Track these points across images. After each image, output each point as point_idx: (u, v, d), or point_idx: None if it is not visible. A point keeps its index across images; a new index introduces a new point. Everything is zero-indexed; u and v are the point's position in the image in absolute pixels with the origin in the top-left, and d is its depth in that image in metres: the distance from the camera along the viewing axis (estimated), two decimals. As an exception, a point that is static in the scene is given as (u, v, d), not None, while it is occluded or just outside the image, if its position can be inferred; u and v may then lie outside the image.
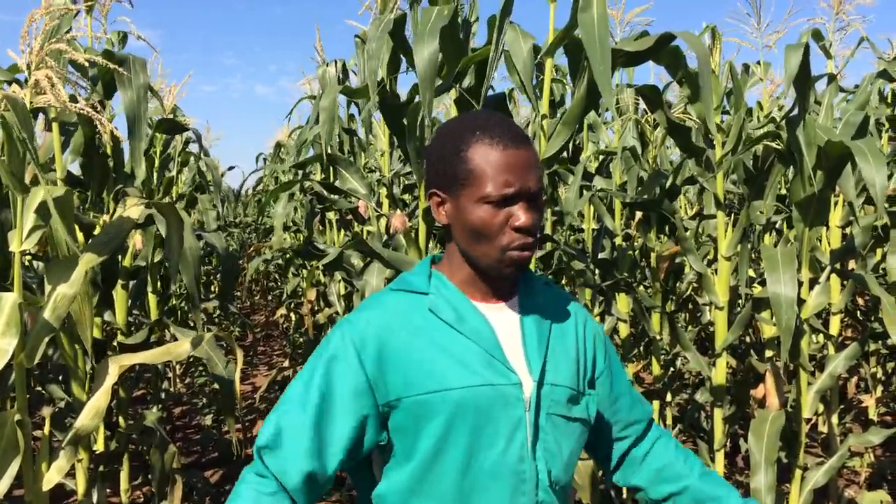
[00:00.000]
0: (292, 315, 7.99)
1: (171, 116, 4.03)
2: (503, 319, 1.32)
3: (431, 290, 1.31)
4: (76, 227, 2.47)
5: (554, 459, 1.28)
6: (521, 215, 1.22)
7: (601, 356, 1.42)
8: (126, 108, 2.21)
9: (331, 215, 5.30)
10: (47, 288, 1.83)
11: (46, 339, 1.81)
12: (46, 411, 2.18)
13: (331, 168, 4.50)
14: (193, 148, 4.78)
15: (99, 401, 1.87)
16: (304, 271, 6.88)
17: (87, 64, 1.83)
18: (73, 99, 1.81)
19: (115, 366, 1.92)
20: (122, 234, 1.92)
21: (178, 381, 6.67)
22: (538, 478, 1.25)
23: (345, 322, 1.29)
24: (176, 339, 4.83)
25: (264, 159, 9.51)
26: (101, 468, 2.94)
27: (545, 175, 2.46)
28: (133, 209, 1.96)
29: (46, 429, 1.96)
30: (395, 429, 1.25)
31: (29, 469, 1.85)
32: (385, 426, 1.26)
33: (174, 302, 6.03)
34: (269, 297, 10.88)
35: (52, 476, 1.84)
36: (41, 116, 2.54)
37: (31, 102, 1.72)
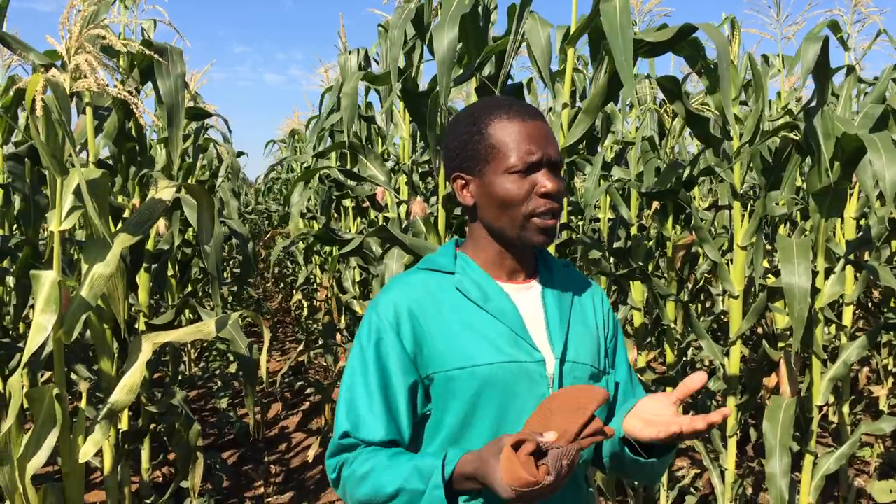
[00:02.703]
0: (304, 302, 8.06)
1: (192, 103, 4.08)
2: (526, 299, 1.37)
3: (457, 269, 1.37)
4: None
5: None
6: (546, 182, 1.29)
7: (611, 335, 1.47)
8: (164, 97, 2.26)
9: (346, 202, 5.35)
10: (84, 267, 1.89)
11: (83, 317, 1.87)
12: (83, 386, 2.24)
13: (348, 155, 4.56)
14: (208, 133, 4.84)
15: (133, 377, 1.93)
16: (317, 258, 6.94)
17: (125, 50, 1.88)
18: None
19: (149, 343, 1.98)
20: (155, 216, 1.98)
21: (192, 364, 6.76)
22: None
23: (376, 304, 1.35)
24: (194, 322, 4.89)
25: (273, 143, 9.56)
26: (125, 446, 3.01)
27: (564, 163, 2.50)
28: (165, 191, 2.01)
29: (83, 403, 2.03)
30: (433, 401, 1.31)
31: (66, 442, 1.91)
32: (428, 397, 1.31)
33: (190, 287, 6.10)
34: (281, 285, 10.96)
35: (88, 449, 1.90)
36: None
37: (70, 87, 1.77)
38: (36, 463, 1.82)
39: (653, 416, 1.22)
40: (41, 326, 1.77)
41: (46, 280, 1.79)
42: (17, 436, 1.78)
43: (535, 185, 1.29)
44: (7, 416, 1.73)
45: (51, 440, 1.83)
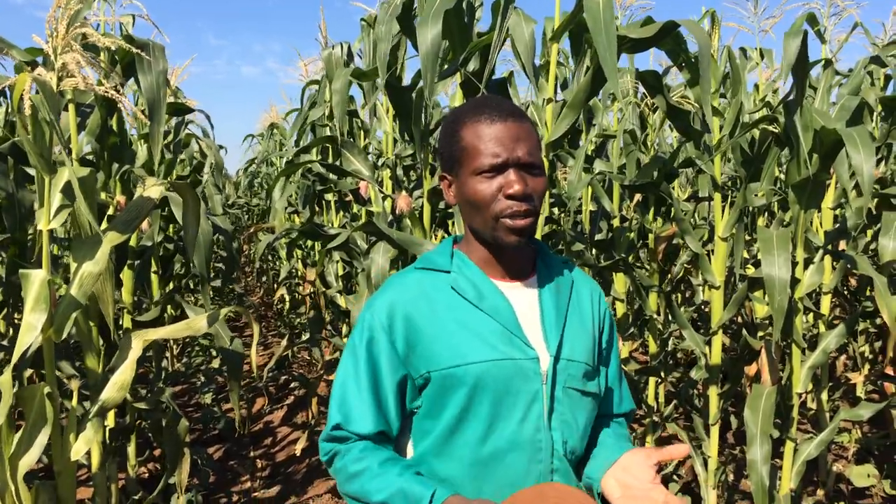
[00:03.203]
0: (286, 296, 8.05)
1: (172, 99, 4.06)
2: (522, 297, 1.39)
3: (453, 268, 1.39)
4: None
5: (570, 430, 1.35)
6: (512, 183, 1.29)
7: (606, 333, 1.49)
8: (146, 93, 2.25)
9: (328, 196, 5.35)
10: (73, 265, 1.89)
11: (73, 316, 1.87)
12: (74, 384, 2.24)
13: (329, 149, 4.56)
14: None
15: (124, 374, 1.93)
16: (299, 252, 6.93)
17: (110, 47, 1.88)
18: (98, 82, 1.86)
19: (139, 340, 1.98)
20: (143, 214, 1.98)
21: (175, 360, 6.73)
22: (553, 447, 1.33)
23: (371, 304, 1.39)
24: (177, 318, 4.88)
25: (252, 137, 9.54)
26: (112, 443, 3.00)
27: (548, 157, 2.52)
28: (153, 189, 2.02)
29: (74, 401, 2.03)
30: (427, 398, 1.34)
31: (57, 440, 1.92)
32: (419, 393, 1.35)
33: (172, 283, 6.07)
34: (263, 279, 10.93)
35: (80, 447, 1.91)
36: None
37: (57, 85, 1.77)
38: (28, 461, 1.82)
39: (632, 479, 1.27)
40: (31, 325, 1.77)
41: (36, 279, 1.79)
42: (8, 434, 1.78)
43: (502, 187, 1.30)
44: (-2, 416, 1.73)
45: (42, 439, 1.83)
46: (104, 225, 2.60)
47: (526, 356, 1.32)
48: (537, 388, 1.32)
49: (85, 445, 1.90)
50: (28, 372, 3.50)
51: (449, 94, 4.15)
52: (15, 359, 1.76)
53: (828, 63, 3.32)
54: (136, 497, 3.35)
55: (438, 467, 1.32)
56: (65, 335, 1.86)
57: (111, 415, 3.13)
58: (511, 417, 1.31)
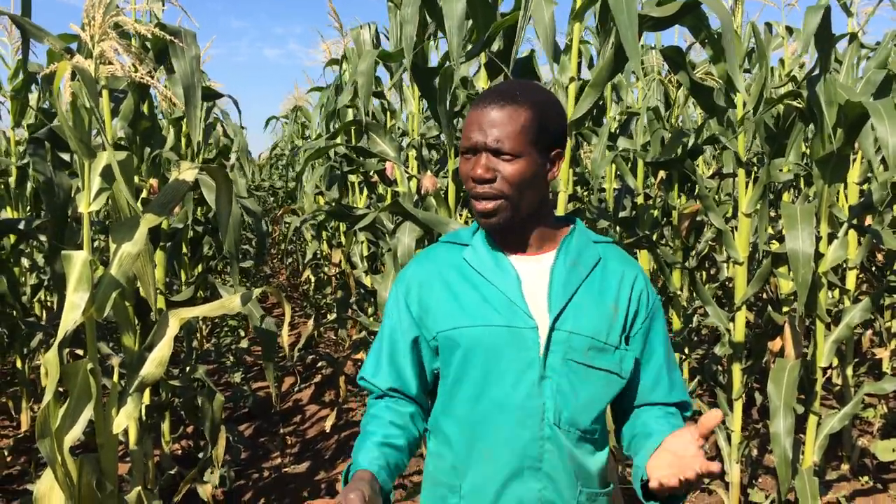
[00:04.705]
0: (311, 277, 8.16)
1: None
2: (534, 270, 1.44)
3: (472, 242, 1.49)
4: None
5: (566, 401, 1.37)
6: (475, 167, 1.38)
7: (642, 315, 1.46)
8: (181, 78, 2.31)
9: (353, 178, 5.40)
10: (112, 246, 1.96)
11: (113, 295, 1.94)
12: (115, 361, 2.32)
13: (352, 131, 4.61)
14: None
15: (162, 351, 2.01)
16: (325, 233, 7.02)
17: (146, 34, 1.93)
18: (133, 69, 1.91)
19: (176, 319, 2.05)
20: (179, 196, 2.04)
21: (204, 340, 6.85)
22: (544, 415, 1.37)
23: (398, 276, 1.55)
24: (208, 300, 4.97)
25: (276, 119, 9.61)
26: (148, 420, 3.10)
27: (570, 136, 2.54)
28: (187, 172, 2.07)
29: (115, 377, 2.10)
30: (440, 360, 1.47)
31: (100, 414, 2.00)
32: (436, 355, 1.47)
33: (201, 265, 6.17)
34: (289, 261, 11.04)
35: (121, 420, 1.99)
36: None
37: (96, 72, 1.83)
38: (73, 435, 1.90)
39: (674, 456, 1.23)
40: (74, 305, 1.84)
41: (78, 260, 1.86)
42: (54, 409, 1.86)
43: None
44: (46, 392, 1.80)
45: (86, 413, 1.91)
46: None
47: (525, 325, 1.38)
48: (534, 356, 1.38)
49: (126, 419, 1.99)
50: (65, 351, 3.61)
51: (472, 76, 4.17)
52: (60, 337, 1.83)
53: (853, 37, 3.30)
54: (171, 472, 3.46)
55: (443, 424, 1.45)
56: (105, 314, 1.93)
57: (147, 392, 3.22)
58: (502, 381, 1.38)
